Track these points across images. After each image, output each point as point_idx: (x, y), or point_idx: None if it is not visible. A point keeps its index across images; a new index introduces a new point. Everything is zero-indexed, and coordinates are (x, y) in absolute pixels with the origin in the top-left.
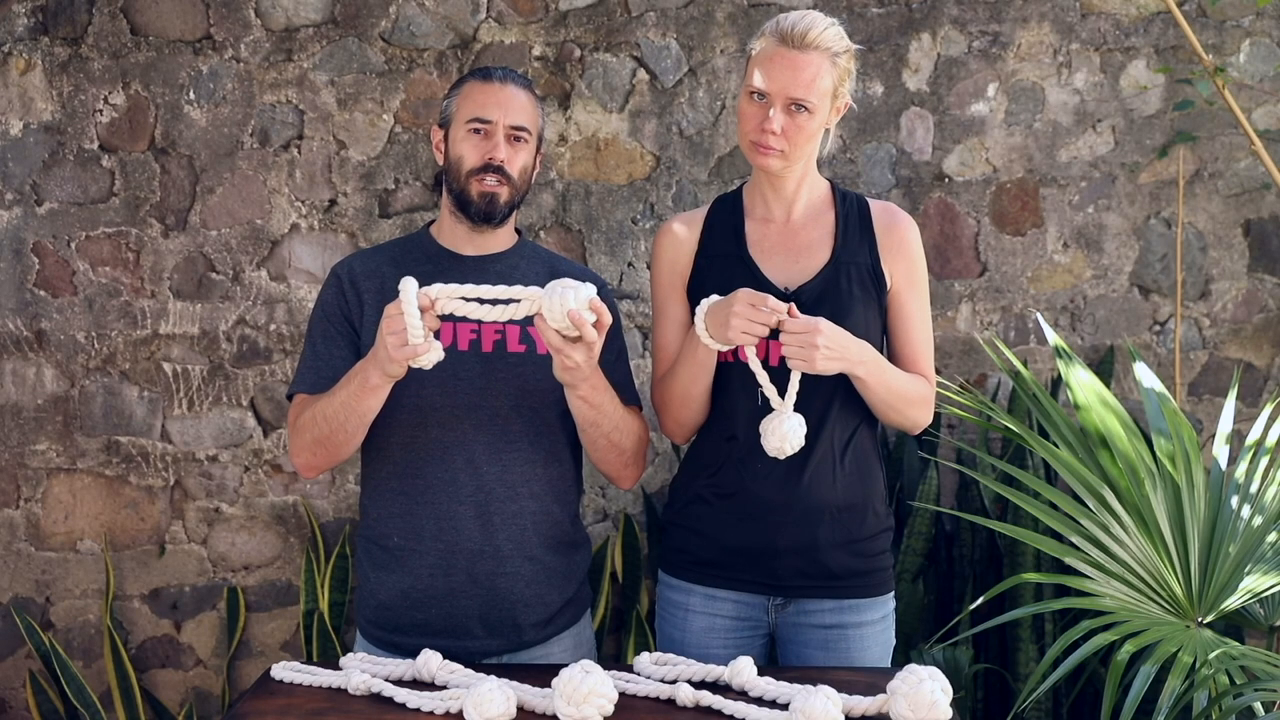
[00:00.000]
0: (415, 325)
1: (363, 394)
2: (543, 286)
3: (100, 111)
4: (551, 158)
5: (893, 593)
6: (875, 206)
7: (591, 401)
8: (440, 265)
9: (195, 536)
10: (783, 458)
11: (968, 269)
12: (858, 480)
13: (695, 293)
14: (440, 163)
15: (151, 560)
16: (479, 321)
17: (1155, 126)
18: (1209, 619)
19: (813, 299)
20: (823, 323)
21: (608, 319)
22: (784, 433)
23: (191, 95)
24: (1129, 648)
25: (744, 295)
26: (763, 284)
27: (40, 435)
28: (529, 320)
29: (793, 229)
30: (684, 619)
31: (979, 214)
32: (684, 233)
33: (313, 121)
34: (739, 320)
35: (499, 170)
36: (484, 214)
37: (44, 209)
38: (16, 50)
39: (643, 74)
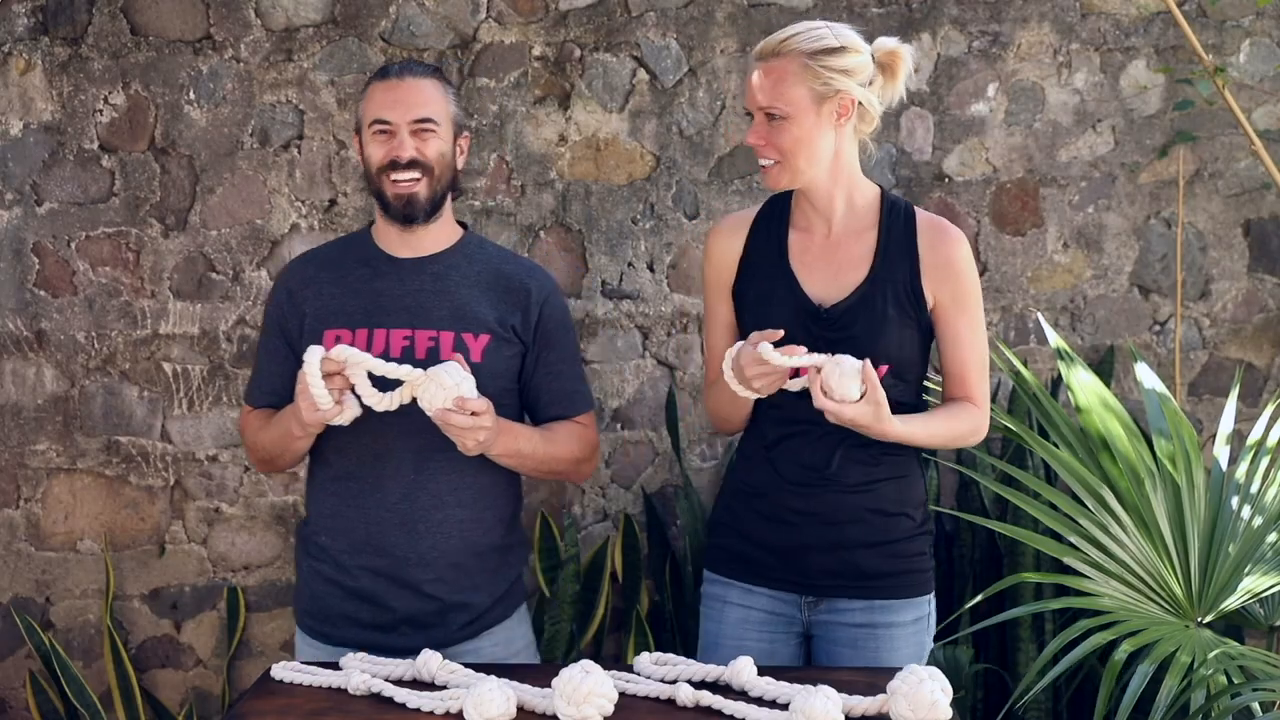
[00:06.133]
0: (321, 395)
1: (289, 439)
2: (482, 289)
3: (100, 111)
4: (551, 158)
5: (930, 596)
6: (922, 221)
7: (508, 455)
8: (377, 269)
9: (195, 536)
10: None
11: None
12: (892, 485)
13: (739, 296)
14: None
15: (151, 560)
16: (412, 327)
17: (1155, 126)
18: (1209, 619)
19: (847, 317)
20: (846, 409)
21: (482, 407)
22: (839, 379)
23: (191, 95)
24: (1126, 647)
25: (749, 356)
26: (800, 299)
27: (40, 435)
28: (463, 328)
29: (834, 242)
30: (721, 610)
31: (979, 214)
32: (729, 238)
33: (313, 121)
34: (757, 381)
35: (410, 165)
36: (403, 214)
37: (44, 209)
38: (16, 50)
39: (643, 74)
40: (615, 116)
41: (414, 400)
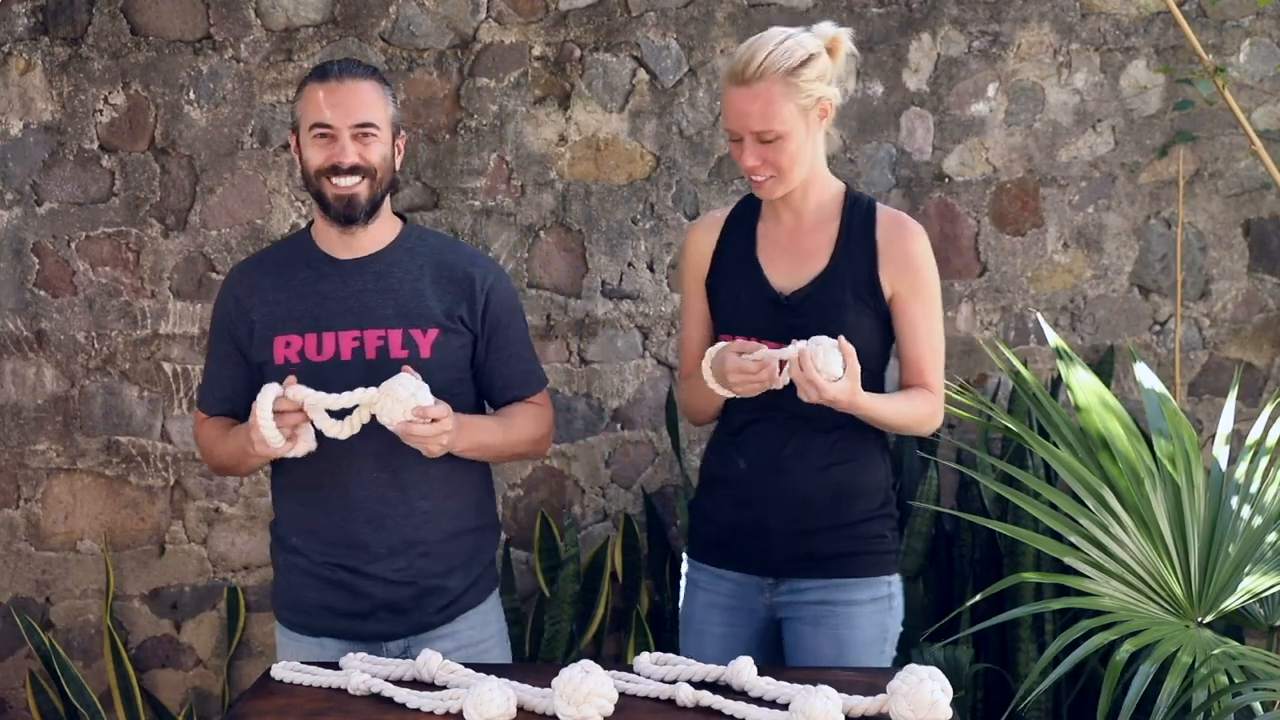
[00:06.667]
0: (273, 435)
1: (244, 457)
2: (426, 283)
3: (100, 111)
4: (551, 158)
5: (892, 578)
6: (882, 216)
7: (472, 450)
8: (319, 271)
9: (195, 536)
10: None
11: (968, 269)
12: (849, 469)
13: (712, 290)
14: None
15: (151, 560)
16: (360, 328)
17: (1155, 126)
18: (1209, 619)
19: (806, 304)
20: (829, 388)
21: (441, 413)
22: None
23: (191, 95)
24: (1128, 647)
25: (733, 365)
26: (764, 287)
27: (40, 435)
28: (410, 324)
29: (800, 234)
30: (693, 594)
31: (979, 214)
32: (705, 233)
33: None
34: (740, 385)
35: (352, 171)
36: (344, 216)
37: (44, 209)
38: (16, 50)
39: (643, 74)
40: (615, 116)
41: (372, 417)
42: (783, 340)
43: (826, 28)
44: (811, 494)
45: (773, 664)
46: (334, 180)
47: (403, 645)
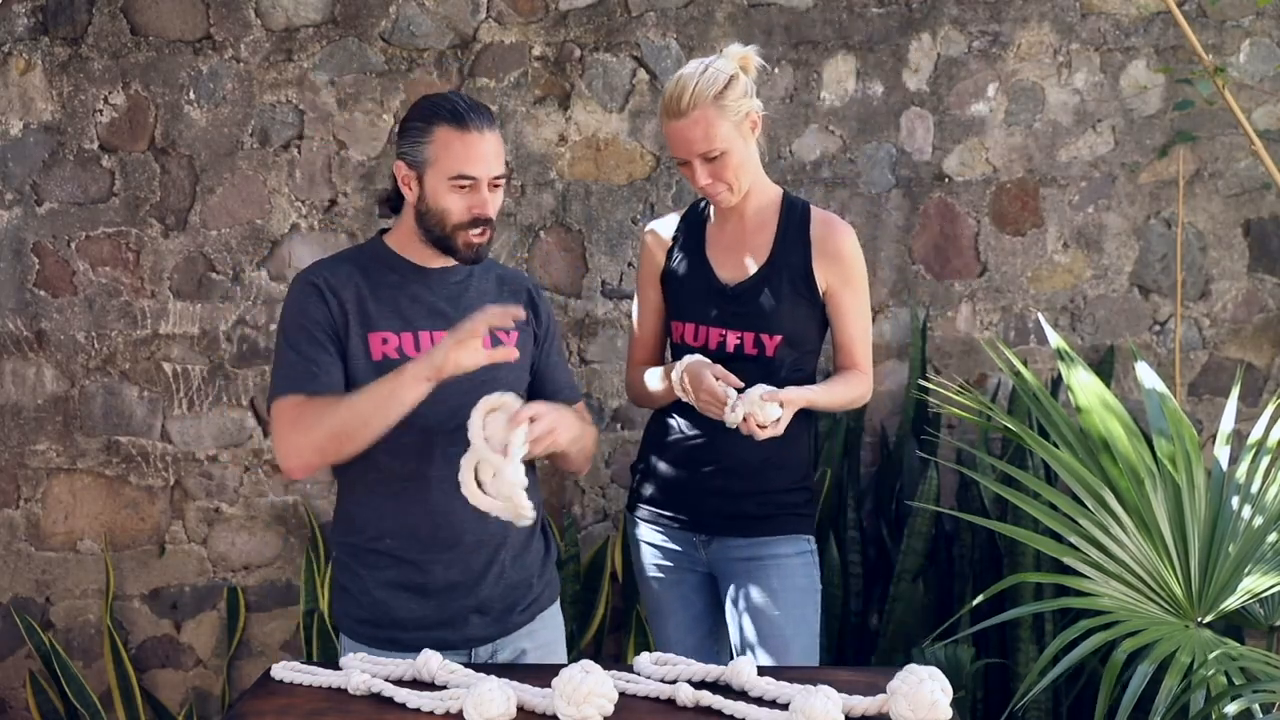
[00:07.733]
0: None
1: (404, 392)
2: (497, 292)
3: (100, 111)
4: (551, 158)
5: (809, 537)
6: (815, 216)
7: (569, 443)
8: (406, 276)
9: (195, 536)
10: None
11: (968, 269)
12: (778, 443)
13: (666, 282)
14: (411, 201)
15: (151, 560)
16: (452, 329)
17: (1155, 126)
18: (1209, 619)
19: (748, 295)
20: (773, 430)
21: (539, 409)
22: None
23: (191, 95)
24: (1126, 647)
25: (705, 393)
26: (712, 279)
27: (40, 435)
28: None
29: (744, 233)
30: (637, 547)
31: (979, 214)
32: (660, 233)
33: (313, 121)
34: (704, 408)
35: (487, 221)
36: (472, 261)
37: (44, 209)
38: (16, 50)
39: (643, 74)
40: (615, 116)
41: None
42: (728, 326)
43: (736, 49)
44: (742, 462)
45: (716, 609)
46: (470, 232)
47: (490, 649)
